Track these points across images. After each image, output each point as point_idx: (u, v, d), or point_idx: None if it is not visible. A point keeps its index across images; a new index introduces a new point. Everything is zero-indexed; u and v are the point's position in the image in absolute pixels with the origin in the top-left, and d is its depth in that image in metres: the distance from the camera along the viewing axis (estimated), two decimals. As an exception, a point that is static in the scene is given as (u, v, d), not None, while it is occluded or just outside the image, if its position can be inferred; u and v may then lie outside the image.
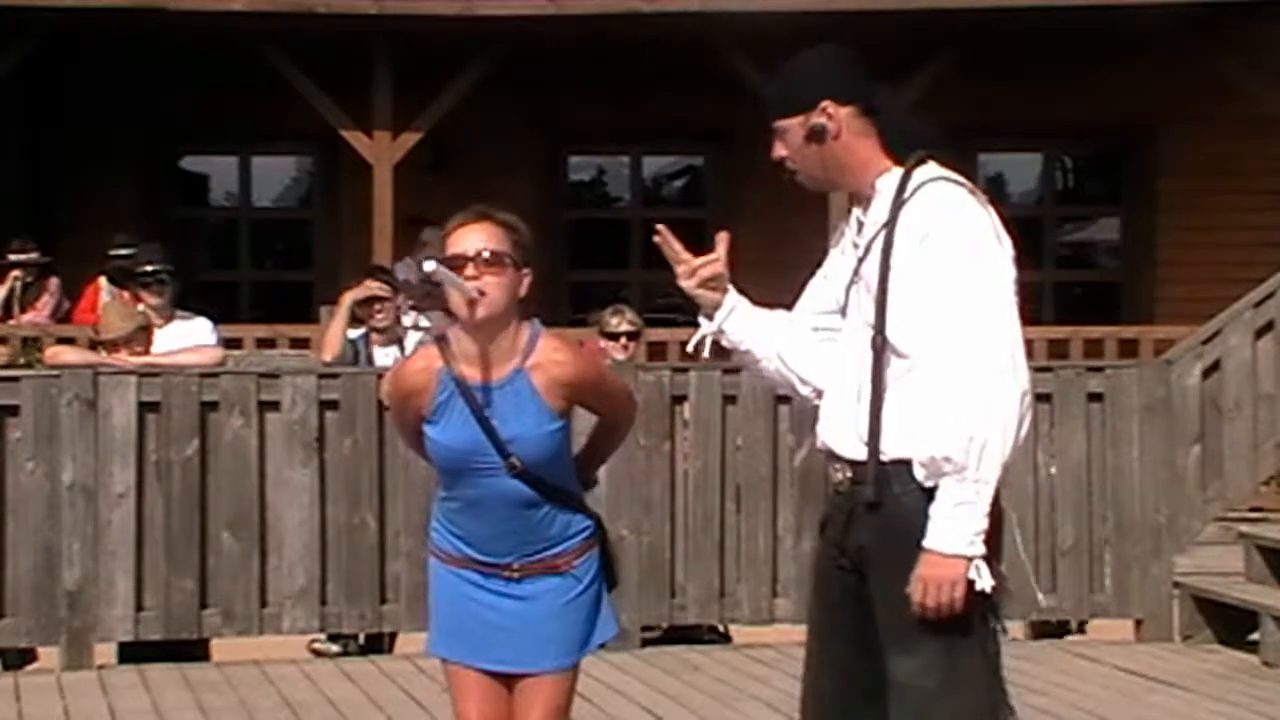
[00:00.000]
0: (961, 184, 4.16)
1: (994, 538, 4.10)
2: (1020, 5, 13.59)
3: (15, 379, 9.24)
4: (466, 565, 4.68)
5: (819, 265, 4.45)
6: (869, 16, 12.99)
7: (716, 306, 4.40)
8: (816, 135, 4.18)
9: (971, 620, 4.08)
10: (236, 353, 11.47)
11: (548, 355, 4.57)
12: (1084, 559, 9.59)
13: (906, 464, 4.09)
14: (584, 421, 4.79)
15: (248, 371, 9.47)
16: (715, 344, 4.44)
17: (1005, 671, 4.21)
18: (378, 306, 10.14)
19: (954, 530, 4.02)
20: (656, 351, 12.39)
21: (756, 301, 4.46)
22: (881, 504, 4.12)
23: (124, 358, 9.30)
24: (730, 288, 4.41)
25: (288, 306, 15.40)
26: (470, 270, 4.47)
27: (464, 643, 4.70)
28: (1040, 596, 4.15)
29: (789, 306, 4.49)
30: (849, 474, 4.20)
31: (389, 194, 13.74)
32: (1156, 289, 16.08)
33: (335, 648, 9.81)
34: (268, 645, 9.23)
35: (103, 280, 12.58)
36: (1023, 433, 4.05)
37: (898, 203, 4.13)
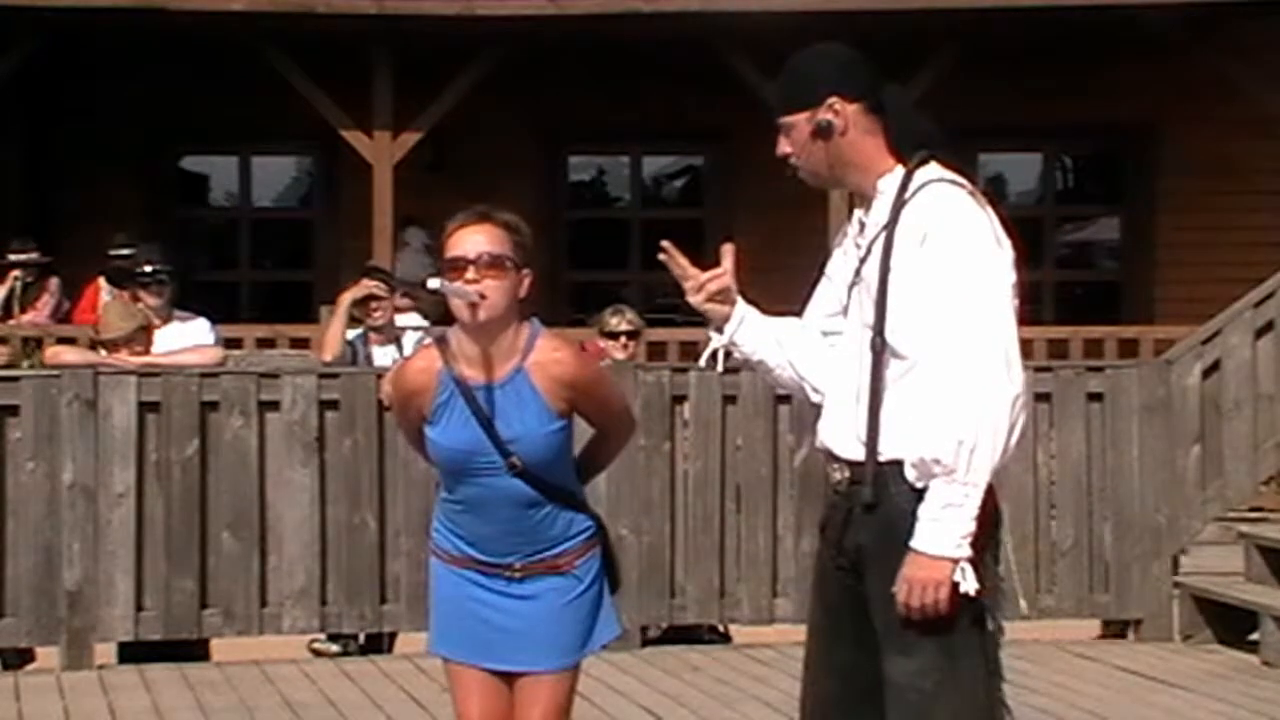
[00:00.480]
0: (962, 185, 4.16)
1: (987, 539, 4.10)
2: (1020, 5, 13.59)
3: (15, 379, 9.24)
4: (468, 565, 4.68)
5: (822, 266, 4.44)
6: (869, 16, 12.99)
7: (726, 319, 4.38)
8: (823, 131, 4.17)
9: (970, 622, 4.08)
10: (236, 353, 11.47)
11: (547, 354, 4.57)
12: (1084, 559, 9.60)
13: (903, 464, 4.09)
14: (583, 427, 4.78)
15: (248, 371, 9.47)
16: (727, 355, 4.43)
17: (1005, 672, 4.21)
18: (374, 305, 10.14)
19: (941, 532, 4.02)
20: (656, 351, 12.38)
21: (758, 303, 4.45)
22: (879, 505, 4.12)
23: (124, 358, 9.30)
24: (739, 298, 4.40)
25: (288, 306, 15.41)
26: (471, 273, 4.48)
27: (465, 642, 4.70)
28: (1023, 603, 4.14)
29: (792, 308, 4.49)
30: (847, 474, 4.20)
31: (389, 194, 13.74)
32: (1156, 289, 16.08)
33: (335, 648, 9.80)
34: (268, 645, 9.23)
35: (103, 280, 12.58)
36: (1015, 436, 4.04)
37: (898, 204, 4.13)
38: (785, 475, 9.44)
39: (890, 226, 4.12)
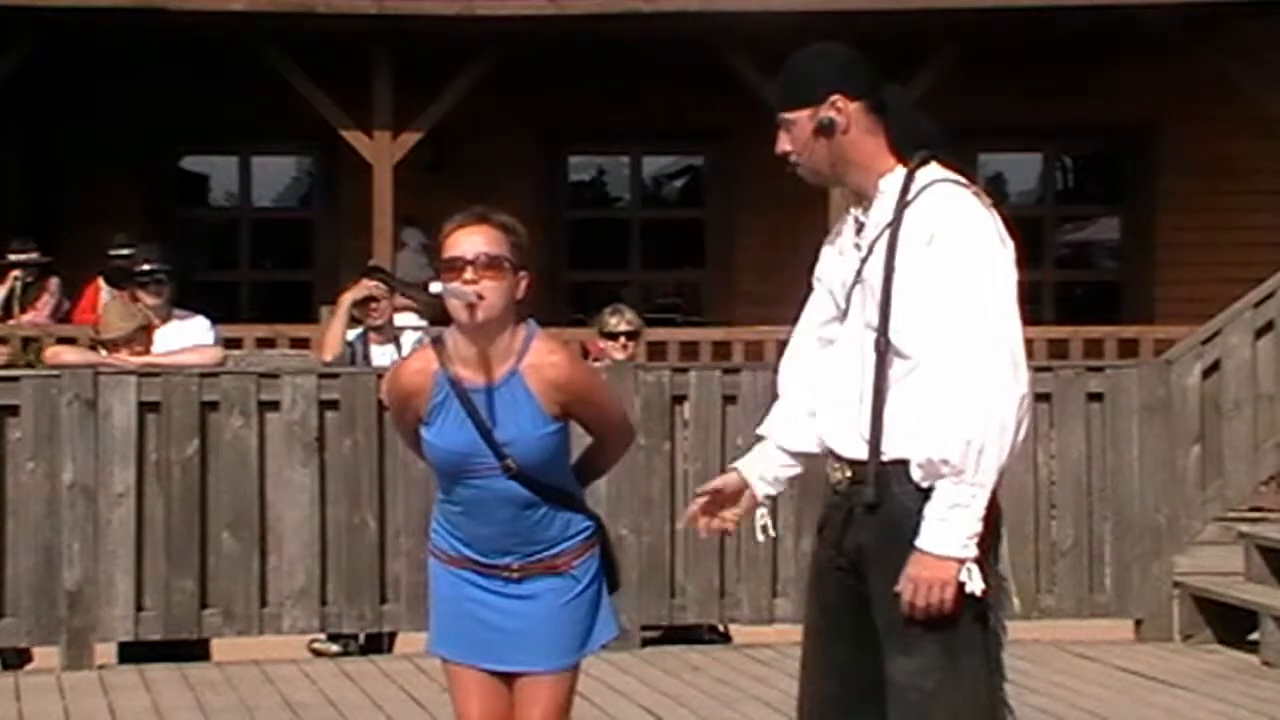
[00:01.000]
0: (966, 185, 4.16)
1: (990, 539, 4.10)
2: (1020, 5, 13.59)
3: (15, 379, 9.24)
4: (466, 566, 4.68)
5: (811, 269, 4.42)
6: (869, 16, 12.99)
7: (748, 488, 4.42)
8: (825, 129, 4.16)
9: (971, 621, 4.08)
10: (236, 353, 11.47)
11: (542, 356, 4.56)
12: (1084, 559, 9.60)
13: (906, 464, 4.09)
14: (581, 433, 4.76)
15: (248, 371, 9.47)
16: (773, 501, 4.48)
17: (1007, 672, 4.21)
18: (373, 305, 10.15)
19: (948, 532, 4.02)
20: (656, 351, 12.38)
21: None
22: (881, 504, 4.11)
23: (124, 358, 9.30)
24: (739, 471, 4.44)
25: (288, 306, 15.41)
26: (469, 274, 4.47)
27: (464, 643, 4.70)
28: (1017, 601, 4.15)
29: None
30: (849, 474, 4.20)
31: (389, 194, 13.74)
32: (1156, 289, 16.09)
33: (335, 648, 9.80)
34: (268, 645, 9.23)
35: (102, 280, 12.58)
36: (1020, 436, 4.05)
37: (901, 204, 4.12)
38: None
39: (894, 226, 4.11)
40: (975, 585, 4.03)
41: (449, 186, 14.15)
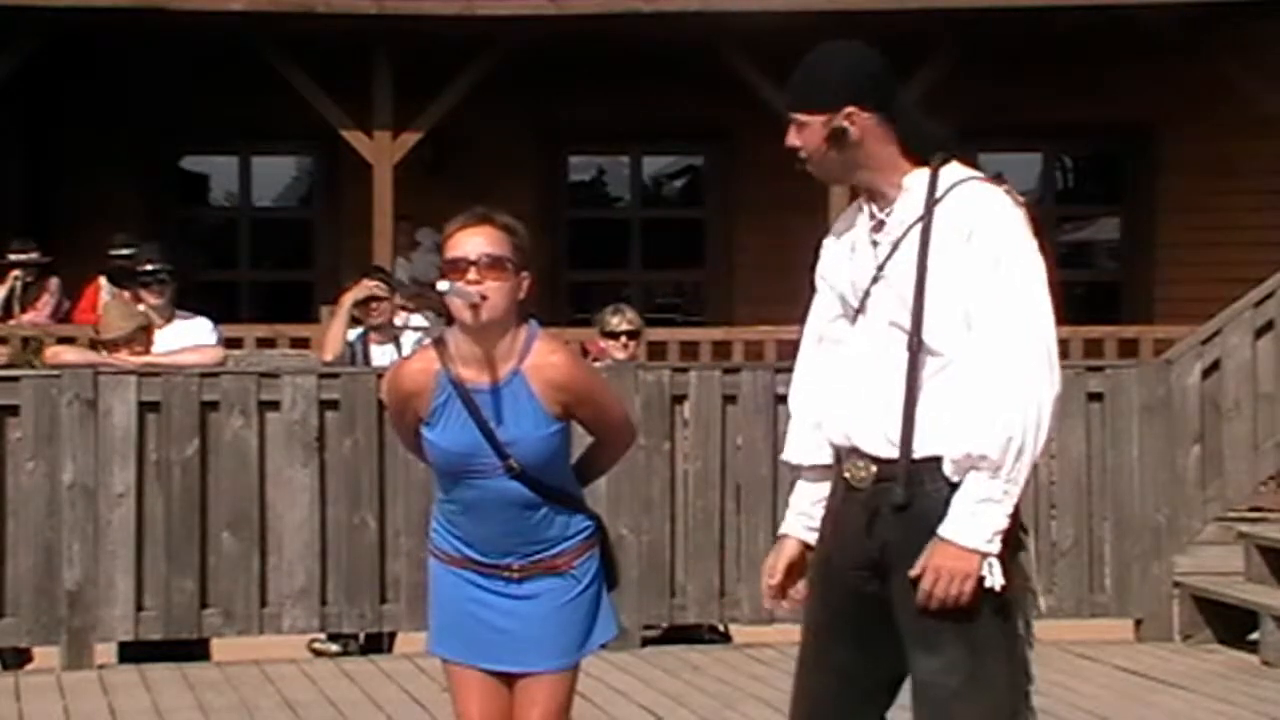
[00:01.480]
0: (994, 183, 4.15)
1: (1014, 538, 4.07)
2: (1020, 5, 13.59)
3: (15, 379, 9.24)
4: (466, 566, 4.68)
5: (812, 268, 4.39)
6: (869, 16, 12.97)
7: (802, 544, 4.38)
8: (837, 138, 4.12)
9: (994, 620, 4.05)
10: (236, 353, 11.47)
11: (543, 357, 4.57)
12: (1084, 559, 9.60)
13: (938, 461, 4.04)
14: (582, 432, 4.77)
15: (248, 371, 9.47)
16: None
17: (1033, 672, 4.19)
18: (374, 305, 10.15)
19: (976, 525, 3.98)
20: (656, 351, 12.38)
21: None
22: (912, 503, 4.05)
23: (124, 358, 9.30)
24: (789, 536, 4.39)
25: (288, 306, 15.40)
26: (472, 274, 4.47)
27: (464, 643, 4.71)
28: (1042, 602, 4.15)
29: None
30: (873, 470, 4.12)
31: (389, 194, 13.74)
32: (1156, 289, 16.08)
33: (335, 647, 9.81)
34: (268, 645, 9.24)
35: (103, 280, 12.58)
36: (1050, 434, 4.03)
37: (931, 200, 4.08)
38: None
39: (925, 223, 4.08)
40: (995, 580, 3.99)
41: (449, 186, 14.16)
